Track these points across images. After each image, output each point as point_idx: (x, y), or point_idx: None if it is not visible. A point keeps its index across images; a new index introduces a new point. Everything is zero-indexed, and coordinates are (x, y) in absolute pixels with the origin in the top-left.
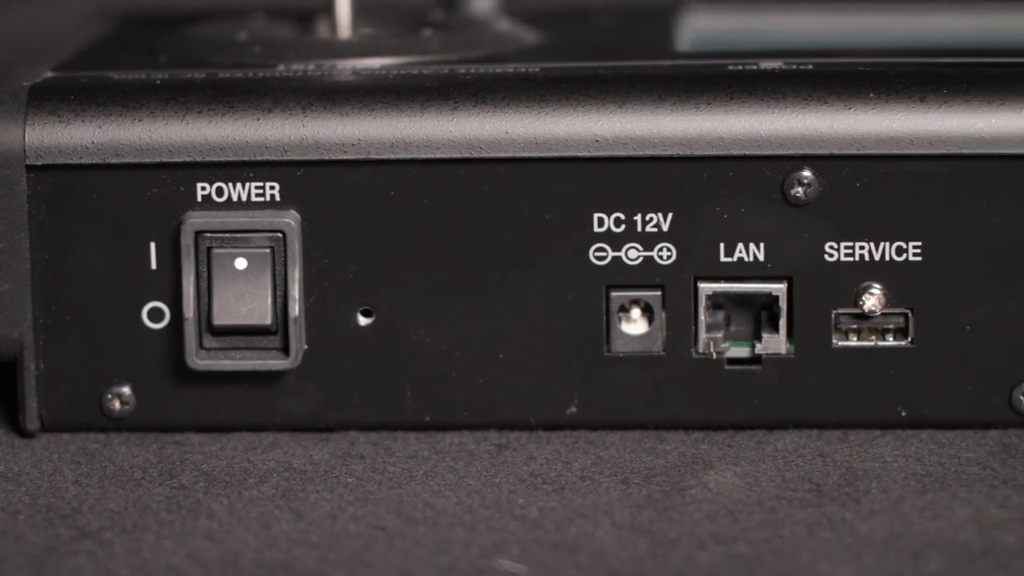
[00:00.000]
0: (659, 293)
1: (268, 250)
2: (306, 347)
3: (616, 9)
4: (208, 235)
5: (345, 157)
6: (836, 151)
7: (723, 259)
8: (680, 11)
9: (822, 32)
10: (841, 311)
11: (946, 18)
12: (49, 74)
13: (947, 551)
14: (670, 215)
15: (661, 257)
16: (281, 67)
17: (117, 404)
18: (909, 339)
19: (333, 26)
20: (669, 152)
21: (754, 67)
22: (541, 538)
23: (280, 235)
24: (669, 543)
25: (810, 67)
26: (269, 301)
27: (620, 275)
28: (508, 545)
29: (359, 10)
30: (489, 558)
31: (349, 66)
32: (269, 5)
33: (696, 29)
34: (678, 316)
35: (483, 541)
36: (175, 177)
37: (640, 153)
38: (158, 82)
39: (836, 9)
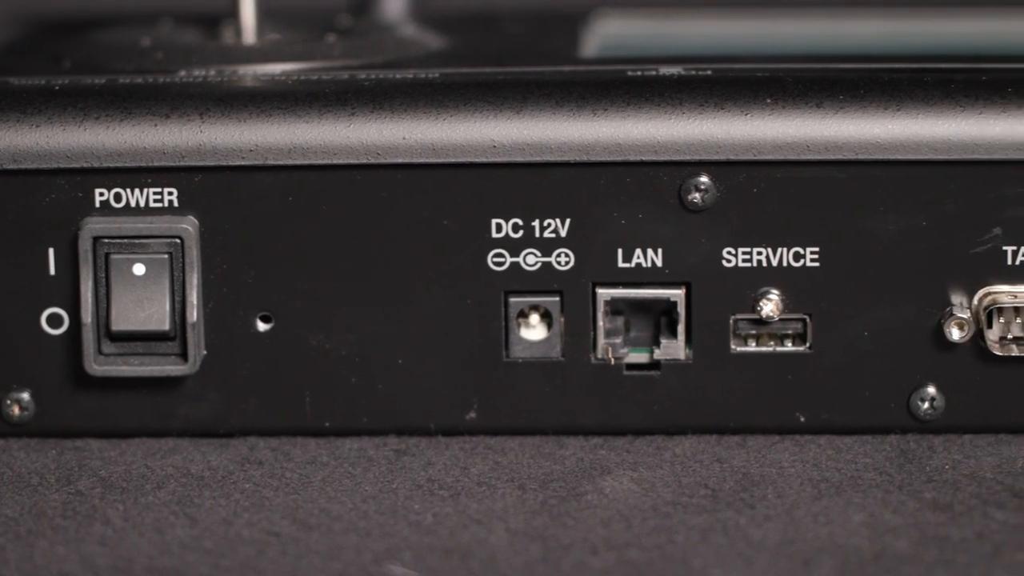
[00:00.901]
0: (557, 299)
1: (166, 256)
2: (205, 352)
3: (525, 15)
4: (106, 241)
5: (243, 163)
6: (733, 157)
7: (621, 265)
8: (590, 17)
9: (730, 38)
10: (739, 317)
11: (848, 24)
12: None
13: (838, 557)
14: (568, 221)
15: (559, 263)
16: (182, 73)
17: (16, 410)
18: (807, 345)
19: (238, 32)
20: (566, 158)
21: (653, 73)
22: (434, 544)
23: (178, 241)
24: (561, 549)
25: (709, 73)
26: (167, 307)
27: (518, 281)
28: (401, 551)
29: (268, 15)
30: (381, 564)
31: (250, 72)
32: (184, 10)
33: (605, 35)
34: (576, 322)
35: (376, 547)
36: (73, 183)
37: (537, 159)
38: (57, 88)
39: (748, 15)
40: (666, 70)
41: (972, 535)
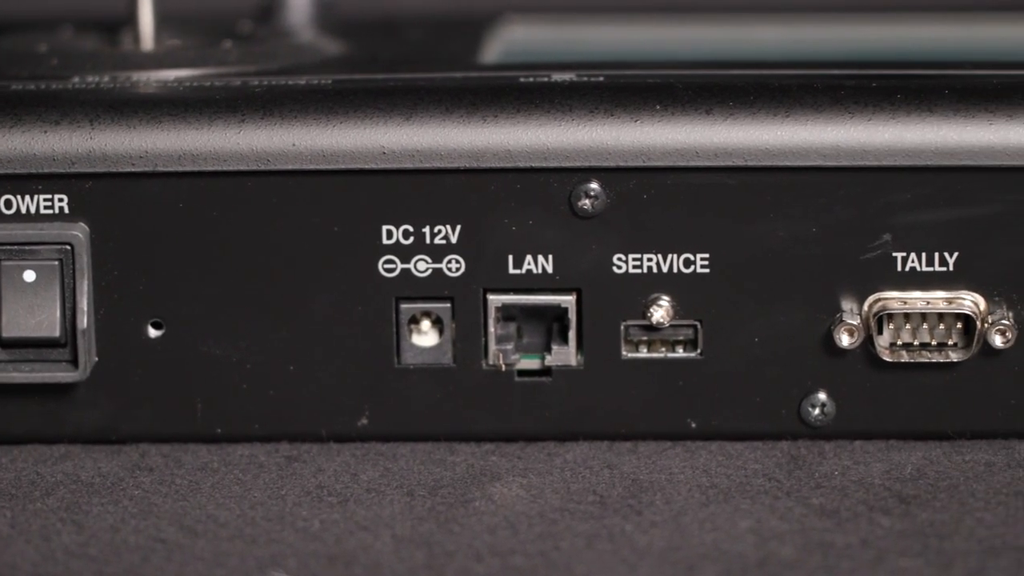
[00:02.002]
0: (448, 305)
1: (57, 262)
2: (96, 359)
3: (431, 21)
4: None
5: (133, 170)
6: (623, 163)
7: (512, 271)
8: (496, 23)
9: (633, 44)
10: (630, 323)
11: (745, 30)
12: None
13: (722, 563)
14: (458, 227)
15: (450, 269)
16: (75, 79)
17: None
18: (698, 351)
19: (137, 38)
20: (456, 164)
21: (545, 79)
22: (319, 550)
23: (69, 247)
24: (446, 555)
25: (601, 79)
26: (58, 313)
27: (409, 287)
28: (286, 558)
29: (169, 21)
30: (264, 571)
31: (144, 78)
32: (92, 16)
33: (509, 41)
34: (468, 328)
35: (261, 554)
36: None
37: (427, 165)
38: None
39: (655, 21)
40: (559, 76)
41: (857, 541)
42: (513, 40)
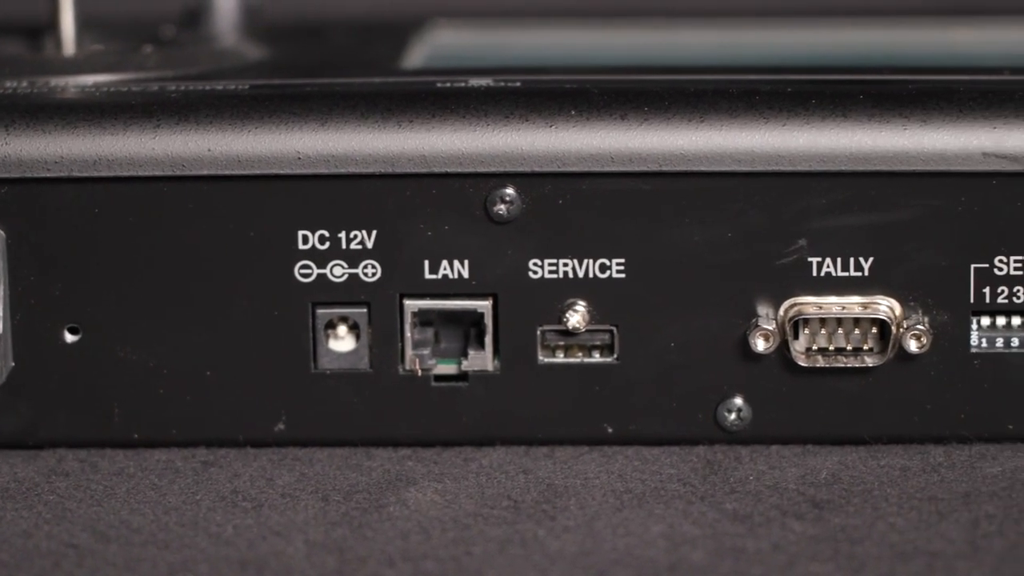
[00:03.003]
0: (365, 310)
1: None
2: (12, 364)
3: (358, 26)
4: None
5: (49, 175)
6: (538, 168)
7: (428, 276)
8: (423, 28)
9: (558, 48)
10: (546, 328)
11: (667, 35)
12: None
13: (633, 568)
14: (374, 232)
15: (366, 274)
16: None
17: None
18: (615, 356)
19: (58, 43)
20: (371, 170)
21: (462, 85)
22: (231, 556)
23: None
24: (358, 560)
25: (518, 85)
26: None
27: (325, 292)
28: (197, 563)
29: (93, 26)
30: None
31: (62, 83)
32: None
33: (435, 45)
34: (384, 333)
35: (173, 559)
36: None
37: (342, 171)
38: None
39: (585, 25)
40: (476, 82)
41: (768, 546)
42: (439, 45)
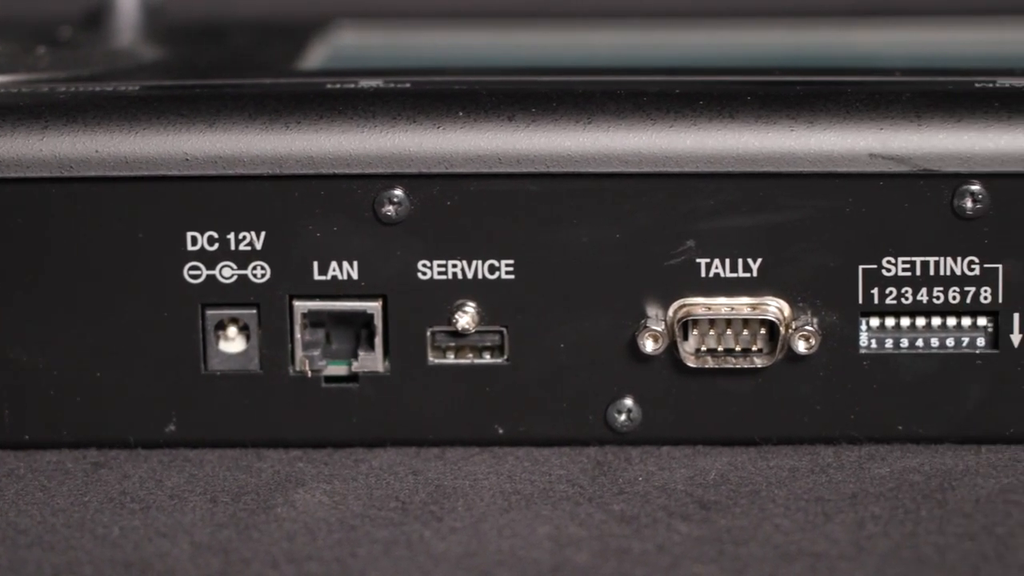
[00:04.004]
0: (255, 311)
1: None
2: None
3: (262, 26)
4: None
5: None
6: (426, 170)
7: (317, 277)
8: (327, 29)
9: (460, 50)
10: (436, 329)
11: (566, 36)
12: None
13: (517, 569)
14: (263, 234)
15: (255, 275)
16: None
17: None
18: (505, 357)
19: None
20: (260, 171)
21: (352, 86)
22: (116, 557)
23: None
24: (242, 562)
25: (407, 86)
26: None
27: (215, 293)
28: (82, 565)
29: None
30: None
31: None
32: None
33: (336, 46)
34: (274, 334)
35: (57, 561)
36: None
37: (231, 172)
38: None
39: (490, 26)
40: (366, 83)
41: (653, 547)
42: (340, 46)
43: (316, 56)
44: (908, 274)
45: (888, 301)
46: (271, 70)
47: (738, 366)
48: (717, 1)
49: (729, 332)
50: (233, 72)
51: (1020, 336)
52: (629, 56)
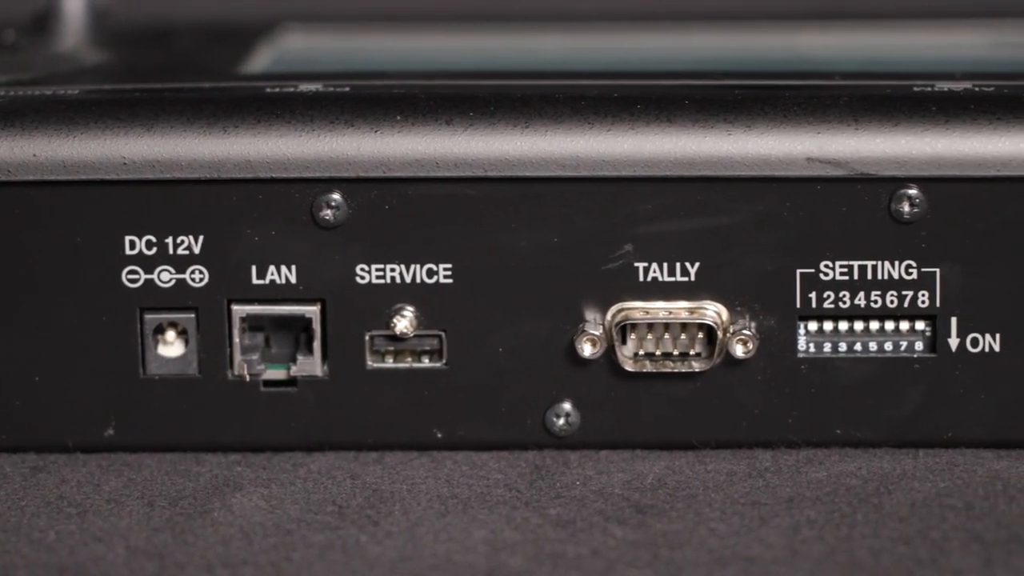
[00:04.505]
0: (193, 315)
1: None
2: None
3: (208, 30)
4: None
5: None
6: (363, 174)
7: (255, 281)
8: (273, 33)
9: (404, 54)
10: (375, 333)
11: (508, 40)
12: None
13: (451, 573)
14: (201, 238)
15: (194, 280)
16: None
17: None
18: (443, 361)
19: None
20: (197, 175)
21: (291, 90)
22: (50, 562)
23: None
24: (177, 567)
25: (346, 90)
26: None
27: (153, 298)
28: (17, 569)
29: None
30: None
31: None
32: None
33: (282, 50)
34: (213, 338)
35: None
36: None
37: (168, 176)
38: None
39: (439, 31)
40: (305, 87)
41: (588, 551)
42: (286, 50)
43: (261, 60)
44: (846, 278)
45: (826, 305)
46: (212, 74)
47: (676, 370)
48: (656, 5)
49: (667, 336)
50: (174, 76)
51: (958, 340)
52: (568, 60)
